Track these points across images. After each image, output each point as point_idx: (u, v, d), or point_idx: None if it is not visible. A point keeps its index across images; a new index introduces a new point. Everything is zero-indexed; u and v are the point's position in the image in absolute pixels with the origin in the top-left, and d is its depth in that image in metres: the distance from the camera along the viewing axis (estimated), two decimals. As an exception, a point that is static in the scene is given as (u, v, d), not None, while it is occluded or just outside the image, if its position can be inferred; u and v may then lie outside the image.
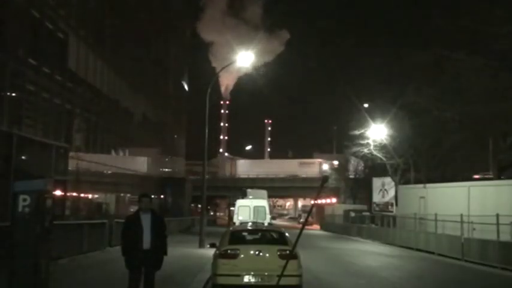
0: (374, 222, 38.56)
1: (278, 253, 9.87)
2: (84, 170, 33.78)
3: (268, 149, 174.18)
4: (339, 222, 49.25)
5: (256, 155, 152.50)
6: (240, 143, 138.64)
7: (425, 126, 32.01)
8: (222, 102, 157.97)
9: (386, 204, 40.69)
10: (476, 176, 29.11)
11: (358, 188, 56.41)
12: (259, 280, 9.68)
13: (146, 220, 8.35)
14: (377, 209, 41.89)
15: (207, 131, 23.50)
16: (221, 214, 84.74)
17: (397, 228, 30.52)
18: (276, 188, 68.74)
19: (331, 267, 17.32)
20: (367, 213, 42.34)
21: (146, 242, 8.25)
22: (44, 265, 7.90)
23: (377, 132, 35.65)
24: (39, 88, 32.29)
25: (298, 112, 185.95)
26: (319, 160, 75.09)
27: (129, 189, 49.20)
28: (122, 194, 50.83)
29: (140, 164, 50.51)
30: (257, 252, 10.06)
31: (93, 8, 42.95)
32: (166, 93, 75.47)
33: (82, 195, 39.29)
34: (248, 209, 24.92)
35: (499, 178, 27.24)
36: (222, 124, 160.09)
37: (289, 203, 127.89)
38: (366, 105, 41.10)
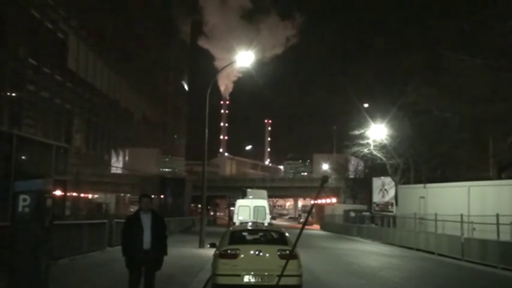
0: (374, 222, 38.57)
1: (278, 253, 9.86)
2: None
3: (269, 149, 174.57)
4: (339, 222, 49.26)
5: (256, 155, 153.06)
6: (240, 143, 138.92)
7: (425, 126, 32.00)
8: (222, 102, 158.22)
9: (387, 204, 40.70)
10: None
11: (358, 188, 56.42)
12: (259, 280, 9.67)
13: (146, 220, 8.36)
14: (377, 209, 41.90)
15: (207, 131, 23.48)
16: (221, 214, 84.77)
17: (397, 228, 30.52)
18: (276, 188, 68.74)
19: (331, 267, 17.31)
20: (367, 213, 42.35)
21: (146, 242, 8.25)
22: (44, 265, 7.90)
23: (377, 132, 35.64)
24: (39, 88, 32.32)
25: (298, 112, 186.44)
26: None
27: (129, 189, 49.24)
28: (122, 194, 50.87)
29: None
30: (257, 252, 10.06)
31: (93, 8, 42.94)
32: (166, 93, 75.56)
33: (82, 195, 39.32)
34: (248, 209, 24.88)
35: (499, 178, 27.22)
36: (222, 124, 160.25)
37: (289, 203, 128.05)
38: (366, 105, 41.08)
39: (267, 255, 10.00)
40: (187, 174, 66.28)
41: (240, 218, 23.97)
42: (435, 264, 19.46)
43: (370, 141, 36.71)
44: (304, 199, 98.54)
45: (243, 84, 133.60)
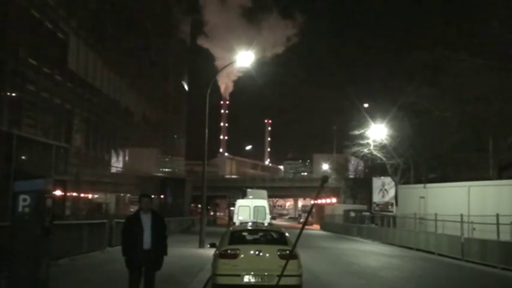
0: (374, 222, 38.57)
1: (278, 253, 9.86)
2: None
3: (269, 149, 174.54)
4: (339, 222, 49.27)
5: (256, 155, 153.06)
6: (240, 143, 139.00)
7: (425, 126, 32.00)
8: (222, 102, 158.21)
9: (387, 204, 40.71)
10: None
11: (358, 188, 56.41)
12: (259, 280, 9.68)
13: (146, 220, 8.36)
14: (377, 208, 41.90)
15: (207, 131, 23.49)
16: (221, 214, 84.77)
17: (397, 228, 30.53)
18: (276, 188, 68.73)
19: (331, 267, 17.31)
20: (367, 213, 42.35)
21: (146, 242, 8.26)
22: (44, 265, 7.90)
23: (377, 132, 35.64)
24: (39, 88, 32.28)
25: (298, 112, 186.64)
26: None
27: (129, 189, 49.18)
28: (121, 194, 50.80)
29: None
30: (257, 252, 10.06)
31: (93, 8, 42.91)
32: (166, 93, 75.45)
33: (82, 195, 39.28)
34: (248, 209, 24.89)
35: (499, 178, 27.22)
36: (222, 124, 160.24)
37: (289, 203, 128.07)
38: (366, 105, 41.09)
39: (267, 255, 10.00)
40: (187, 174, 66.24)
41: (240, 218, 23.97)
42: (435, 264, 19.46)
43: (370, 141, 36.71)
44: (304, 199, 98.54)
45: (243, 84, 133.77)
